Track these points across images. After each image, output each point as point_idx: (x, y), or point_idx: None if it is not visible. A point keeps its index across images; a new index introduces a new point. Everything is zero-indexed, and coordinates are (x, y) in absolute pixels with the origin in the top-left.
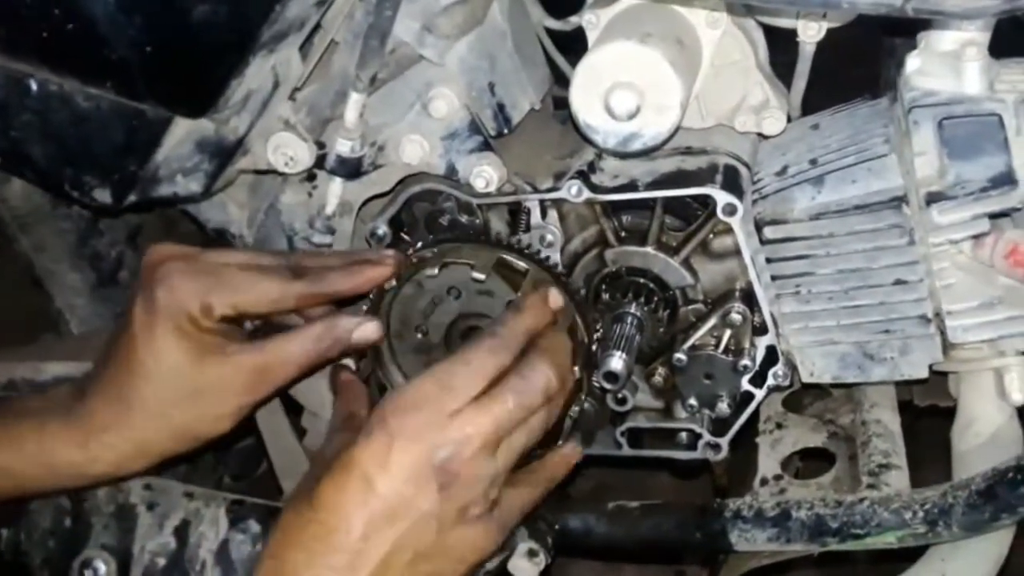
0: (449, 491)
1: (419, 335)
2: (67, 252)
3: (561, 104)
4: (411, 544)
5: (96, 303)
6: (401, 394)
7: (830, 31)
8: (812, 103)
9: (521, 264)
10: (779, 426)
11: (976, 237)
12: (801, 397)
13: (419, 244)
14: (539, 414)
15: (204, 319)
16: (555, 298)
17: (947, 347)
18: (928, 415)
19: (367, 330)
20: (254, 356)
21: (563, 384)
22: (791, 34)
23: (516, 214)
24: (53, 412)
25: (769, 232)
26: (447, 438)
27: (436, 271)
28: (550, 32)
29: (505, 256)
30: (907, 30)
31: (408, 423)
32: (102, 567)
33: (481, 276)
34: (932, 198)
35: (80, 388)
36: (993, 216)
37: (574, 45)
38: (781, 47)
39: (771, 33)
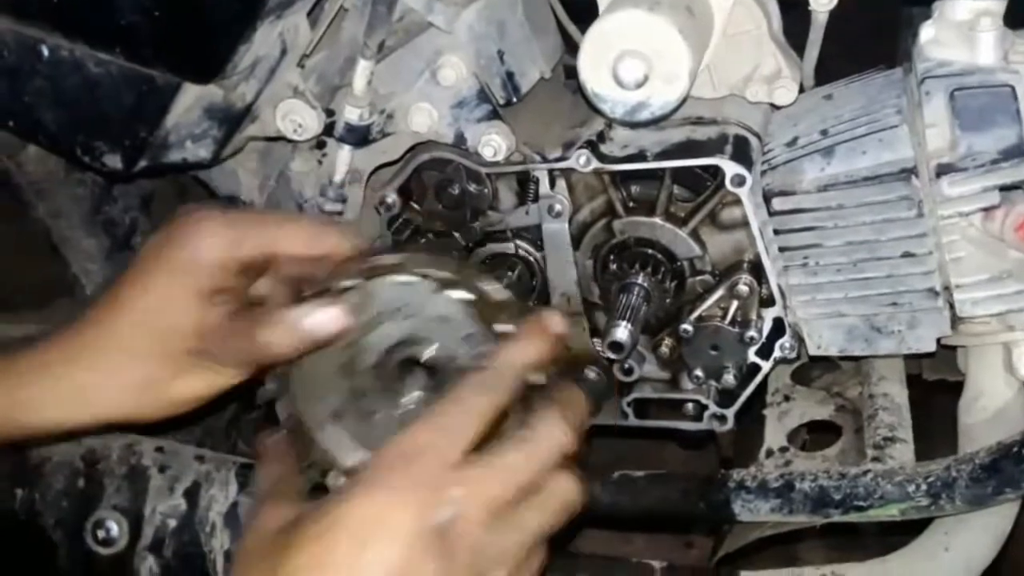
0: (452, 560)
1: (347, 354)
2: (82, 218)
3: (572, 73)
4: None
5: (110, 269)
6: (393, 446)
7: (845, 0)
8: (833, 75)
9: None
10: (787, 399)
11: (986, 210)
12: (810, 370)
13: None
14: (555, 493)
15: (220, 275)
16: (556, 323)
17: (955, 321)
18: (941, 389)
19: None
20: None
21: (577, 446)
22: (805, 3)
23: (525, 183)
24: (37, 345)
25: (777, 203)
26: (449, 495)
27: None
28: (562, 0)
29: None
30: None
31: (403, 476)
32: (114, 527)
33: (470, 296)
34: (942, 170)
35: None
36: (1004, 188)
37: (586, 14)
38: (798, 17)
39: (786, 3)
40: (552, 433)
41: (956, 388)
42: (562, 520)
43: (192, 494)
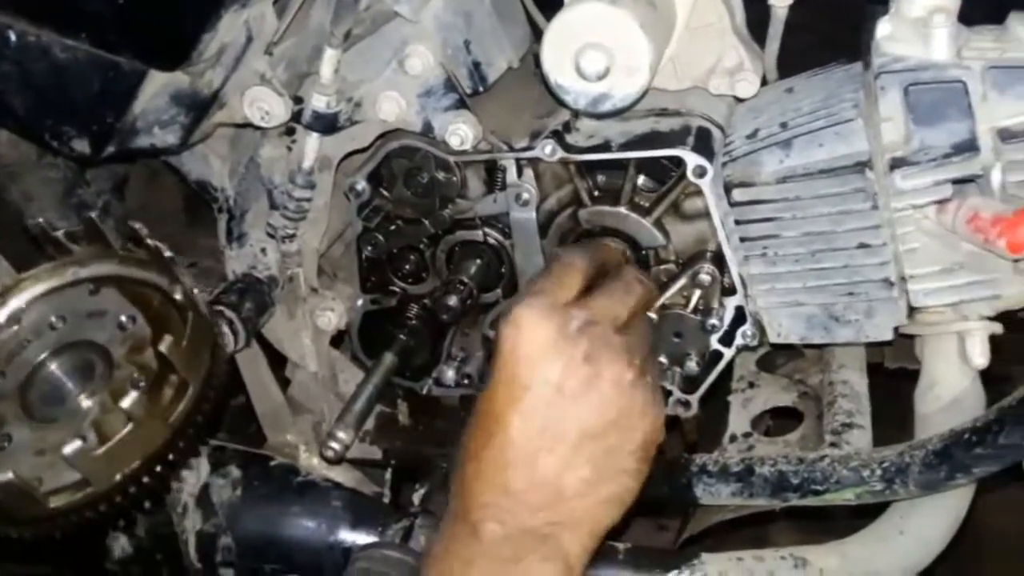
0: (595, 362)
1: None
2: (55, 201)
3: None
4: (573, 426)
5: None
6: (516, 297)
7: None
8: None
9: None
10: (752, 385)
11: (939, 203)
12: (775, 357)
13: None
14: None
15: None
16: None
17: (912, 311)
18: (906, 377)
19: None
20: None
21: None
22: None
23: (493, 172)
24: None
25: (738, 194)
26: (573, 314)
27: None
28: None
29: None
30: None
31: (532, 308)
32: None
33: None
34: (896, 163)
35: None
36: (957, 182)
37: (554, 3)
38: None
39: None
40: (636, 282)
41: (915, 375)
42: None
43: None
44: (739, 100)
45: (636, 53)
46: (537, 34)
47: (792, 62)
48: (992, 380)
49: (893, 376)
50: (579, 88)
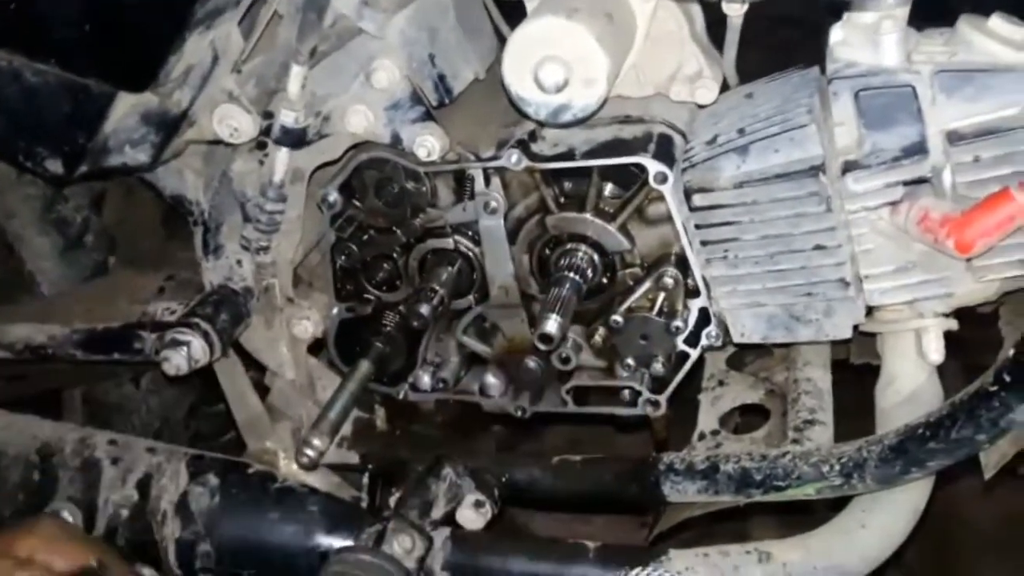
0: None
1: None
2: (34, 217)
3: None
4: None
5: (64, 266)
6: None
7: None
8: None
9: None
10: (721, 383)
11: (892, 204)
12: (744, 355)
13: None
14: None
15: None
16: None
17: (870, 309)
18: (872, 373)
19: None
20: None
21: None
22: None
23: (462, 181)
24: None
25: (698, 199)
26: None
27: None
28: (497, 2)
29: None
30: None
31: None
32: (69, 518)
33: None
34: (848, 167)
35: None
36: (908, 183)
37: (521, 15)
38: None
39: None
40: None
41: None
42: None
43: (144, 485)
44: (700, 106)
45: (593, 65)
46: (503, 44)
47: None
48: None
49: (859, 371)
50: (539, 100)
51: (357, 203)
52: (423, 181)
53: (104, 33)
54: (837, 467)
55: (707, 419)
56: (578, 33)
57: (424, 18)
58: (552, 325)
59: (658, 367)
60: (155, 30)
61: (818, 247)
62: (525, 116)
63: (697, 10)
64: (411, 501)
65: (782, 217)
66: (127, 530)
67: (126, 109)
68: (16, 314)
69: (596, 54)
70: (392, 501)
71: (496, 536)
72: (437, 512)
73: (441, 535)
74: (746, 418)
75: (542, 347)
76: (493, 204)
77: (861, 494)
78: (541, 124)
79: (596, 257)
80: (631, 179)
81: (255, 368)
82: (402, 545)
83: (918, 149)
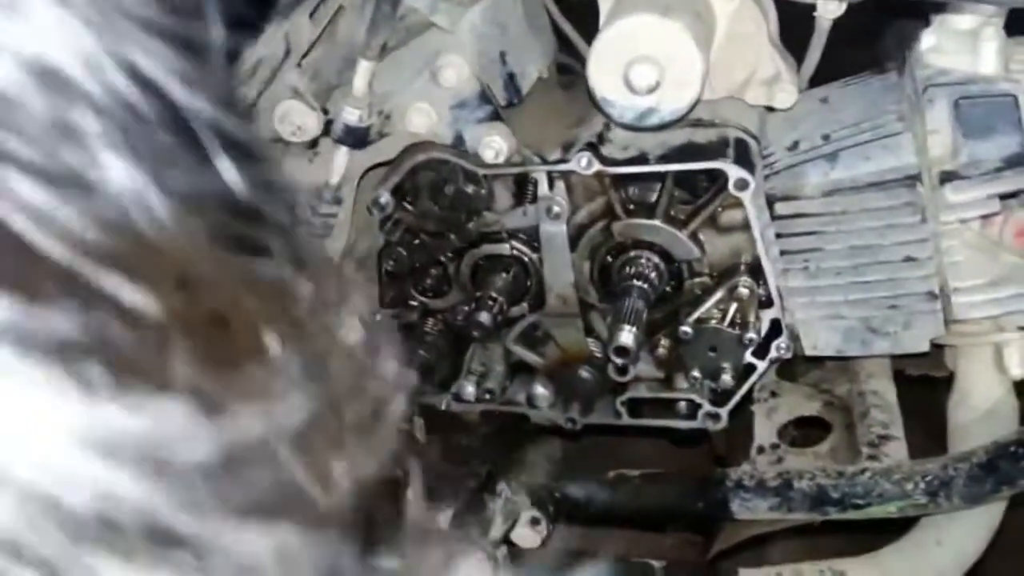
0: None
1: None
2: None
3: (563, 70)
4: None
5: None
6: None
7: None
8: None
9: None
10: (773, 394)
11: (985, 216)
12: (794, 366)
13: None
14: None
15: None
16: None
17: (947, 321)
18: (915, 383)
19: None
20: None
21: None
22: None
23: (522, 184)
24: None
25: (781, 208)
26: None
27: None
28: None
29: None
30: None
31: None
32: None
33: None
34: (946, 177)
35: None
36: (1003, 196)
37: (579, 11)
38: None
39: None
40: None
41: (932, 383)
42: None
43: None
44: (770, 110)
45: (688, 66)
46: (561, 42)
47: None
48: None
49: (908, 381)
50: (626, 102)
51: (409, 206)
52: (481, 184)
53: (175, 21)
54: (922, 485)
55: (764, 432)
56: (674, 32)
57: (496, 13)
58: (628, 337)
59: (727, 379)
60: (235, 20)
61: (908, 259)
62: (607, 118)
63: (772, 11)
64: (468, 519)
65: (872, 227)
66: None
67: None
68: None
69: (692, 55)
70: (442, 519)
71: (554, 555)
72: (496, 531)
73: (499, 556)
74: (800, 431)
75: (619, 361)
76: (556, 209)
77: (943, 513)
78: (609, 124)
79: (663, 265)
80: (696, 185)
81: None
82: None
83: (1019, 160)
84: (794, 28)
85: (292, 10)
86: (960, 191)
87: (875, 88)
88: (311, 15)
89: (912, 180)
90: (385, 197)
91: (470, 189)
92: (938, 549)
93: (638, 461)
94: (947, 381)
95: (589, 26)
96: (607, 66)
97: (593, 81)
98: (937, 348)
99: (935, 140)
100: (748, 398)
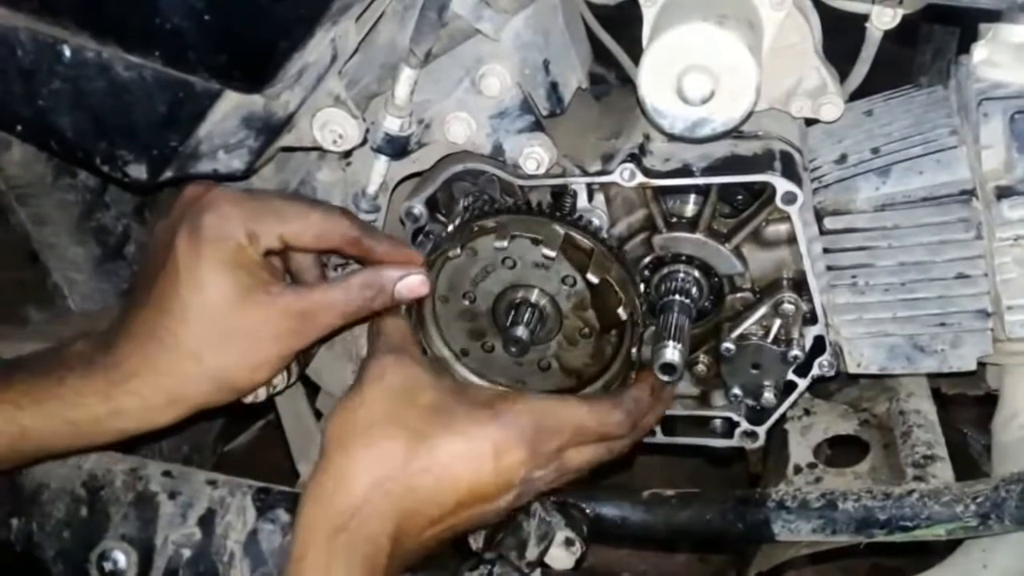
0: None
1: (466, 302)
2: (70, 225)
3: (597, 80)
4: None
5: (99, 278)
6: (552, 409)
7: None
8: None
9: (585, 242)
10: (807, 412)
11: None
12: (828, 383)
13: (474, 212)
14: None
15: (251, 249)
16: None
17: (994, 340)
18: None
19: (413, 282)
20: (298, 299)
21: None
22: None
23: (560, 196)
24: (72, 365)
25: (830, 222)
26: (557, 465)
27: (505, 243)
28: (590, 6)
29: (571, 233)
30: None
31: (534, 440)
32: (121, 558)
33: (551, 253)
34: (1003, 192)
35: (104, 338)
36: None
37: (616, 20)
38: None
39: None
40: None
41: (963, 402)
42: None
43: (207, 521)
44: (811, 122)
45: (743, 77)
46: (597, 51)
47: None
48: None
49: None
50: (678, 112)
51: (442, 217)
52: (518, 195)
53: (229, 25)
54: (973, 507)
55: (800, 451)
56: (730, 42)
57: (540, 21)
58: (673, 354)
59: (769, 397)
60: (289, 22)
61: (960, 276)
62: (658, 128)
63: (816, 22)
64: (507, 541)
65: (924, 243)
66: (189, 572)
67: (227, 110)
68: (32, 332)
69: (748, 65)
70: (475, 540)
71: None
72: (532, 552)
73: None
74: (835, 449)
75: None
76: (596, 222)
77: (994, 535)
78: (649, 136)
79: (703, 280)
80: (737, 197)
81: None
82: None
83: None
84: (834, 39)
85: (342, 15)
86: (1017, 207)
87: (921, 101)
88: (357, 20)
89: (967, 195)
90: (419, 208)
91: (507, 201)
92: (985, 572)
93: (645, 476)
94: (960, 399)
95: (622, 36)
96: (659, 75)
97: (644, 90)
98: (979, 367)
99: (989, 155)
100: (781, 416)
